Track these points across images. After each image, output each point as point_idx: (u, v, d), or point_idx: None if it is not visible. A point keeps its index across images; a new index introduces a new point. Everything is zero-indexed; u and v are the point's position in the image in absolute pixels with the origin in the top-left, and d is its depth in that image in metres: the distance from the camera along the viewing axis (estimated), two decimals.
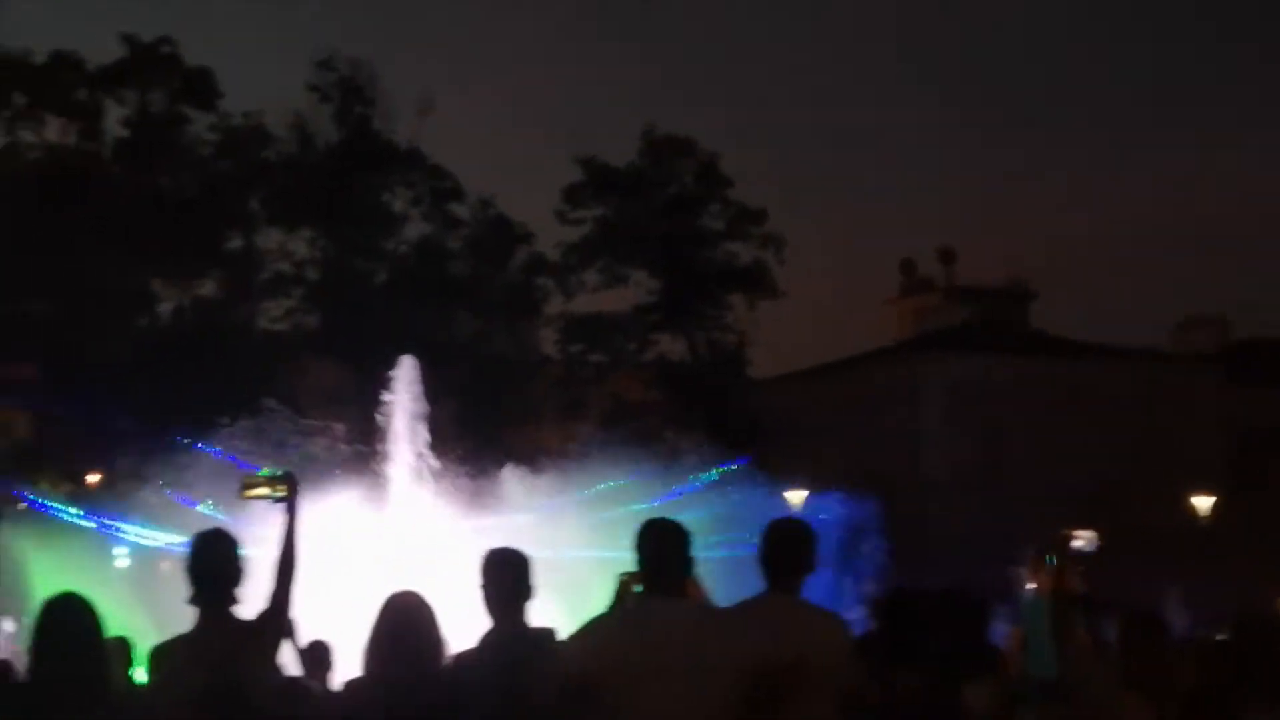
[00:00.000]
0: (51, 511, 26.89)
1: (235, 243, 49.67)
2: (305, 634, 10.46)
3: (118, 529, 24.69)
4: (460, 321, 48.99)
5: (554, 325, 54.09)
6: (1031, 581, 11.84)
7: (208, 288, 49.60)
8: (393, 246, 49.24)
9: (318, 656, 11.74)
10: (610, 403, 53.36)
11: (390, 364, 23.83)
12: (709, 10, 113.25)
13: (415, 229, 49.62)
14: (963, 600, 10.24)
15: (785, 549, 7.64)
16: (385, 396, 23.53)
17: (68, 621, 6.85)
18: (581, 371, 53.81)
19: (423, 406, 23.39)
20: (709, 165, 54.80)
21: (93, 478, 35.54)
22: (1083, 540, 9.28)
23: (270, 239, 50.55)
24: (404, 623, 6.76)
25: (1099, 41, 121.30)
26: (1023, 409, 52.81)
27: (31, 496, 29.35)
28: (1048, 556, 10.49)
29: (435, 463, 22.88)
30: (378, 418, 23.35)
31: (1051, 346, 57.33)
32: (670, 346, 55.91)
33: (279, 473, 7.80)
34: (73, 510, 26.98)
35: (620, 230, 54.13)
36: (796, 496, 37.97)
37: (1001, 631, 11.71)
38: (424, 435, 23.15)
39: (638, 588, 7.08)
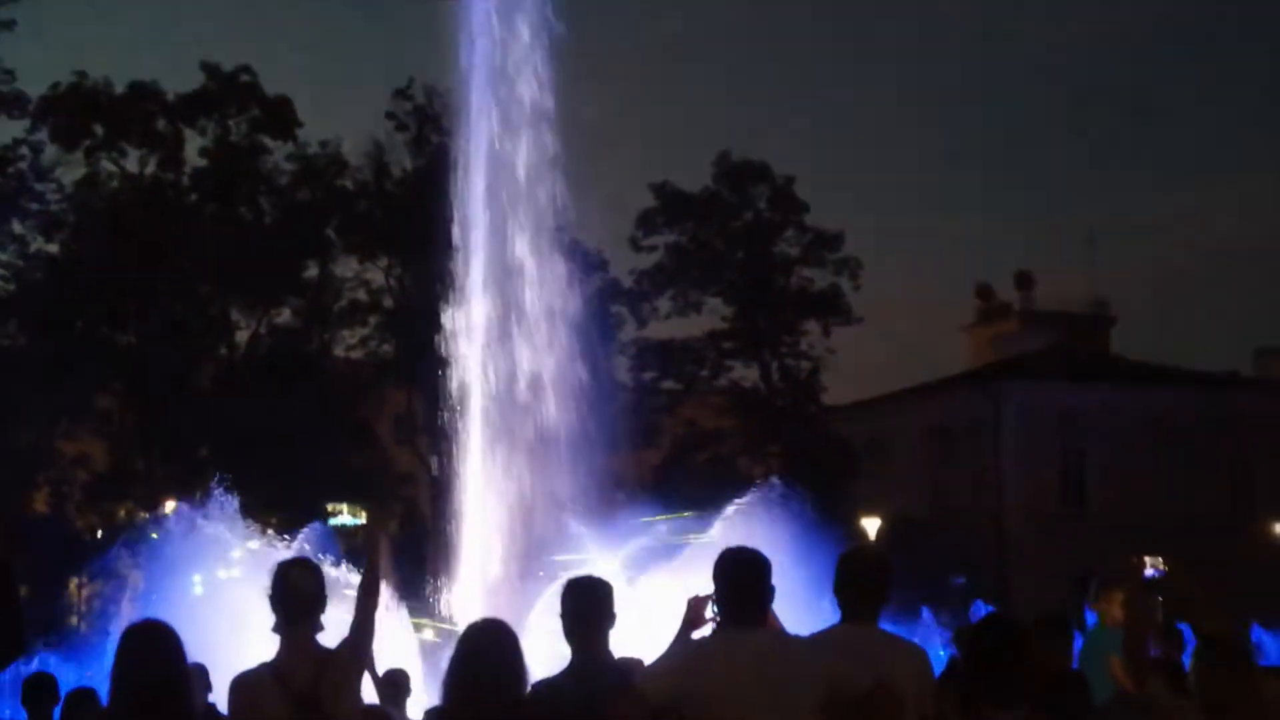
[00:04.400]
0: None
1: (312, 271, 49.96)
2: (383, 663, 10.53)
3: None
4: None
5: (627, 352, 53.99)
6: (1099, 610, 11.68)
7: (285, 316, 49.93)
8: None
9: (395, 685, 11.76)
10: (683, 430, 53.25)
11: (464, 392, 23.85)
12: (784, 34, 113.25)
13: None
14: (1057, 628, 10.09)
15: (862, 579, 7.58)
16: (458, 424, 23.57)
17: (149, 649, 6.85)
18: (654, 399, 53.69)
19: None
20: (784, 190, 54.49)
21: (170, 505, 35.86)
22: (1150, 567, 9.16)
23: (347, 267, 50.87)
24: (484, 651, 6.74)
25: (1184, 67, 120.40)
26: (1103, 436, 52.22)
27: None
28: (1117, 584, 10.35)
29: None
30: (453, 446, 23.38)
31: (1133, 372, 56.64)
32: (744, 373, 55.72)
33: (363, 504, 7.85)
34: (153, 536, 27.19)
35: (694, 256, 54.01)
36: (872, 525, 37.79)
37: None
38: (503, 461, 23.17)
39: (711, 611, 7.04)
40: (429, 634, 19.07)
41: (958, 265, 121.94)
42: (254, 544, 22.12)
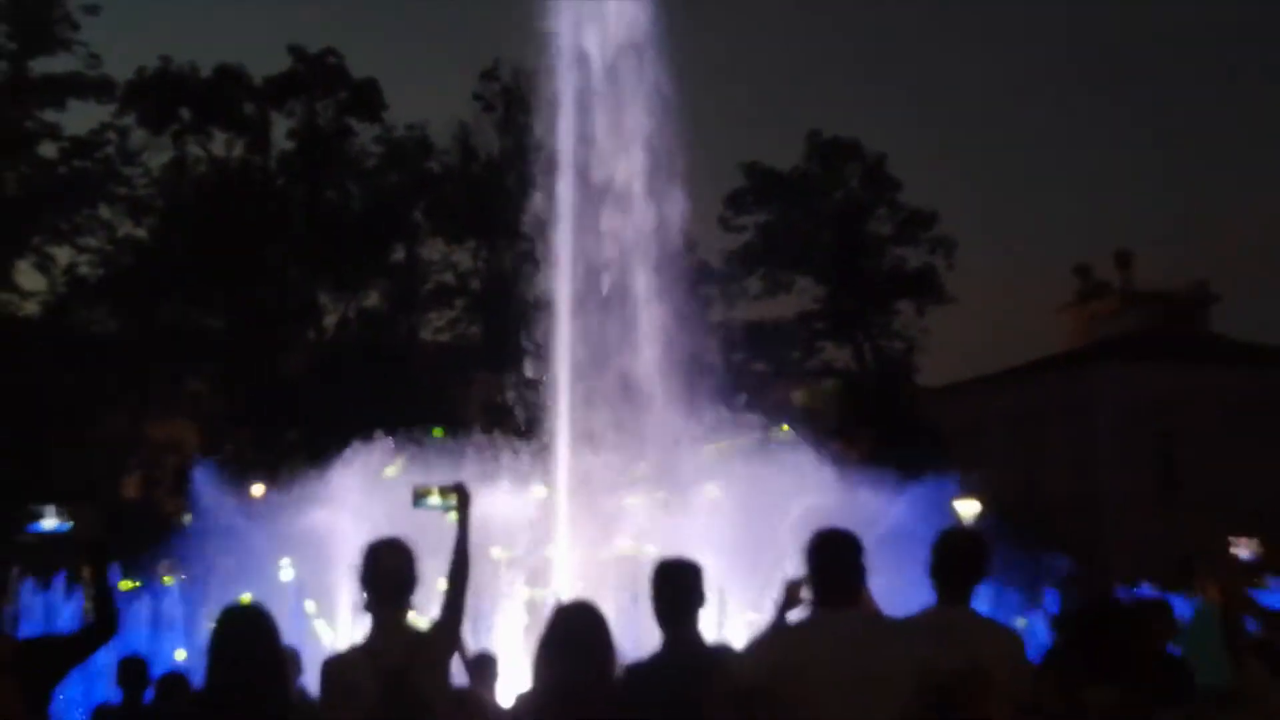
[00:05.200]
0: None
1: (399, 254, 50.14)
2: (471, 645, 10.54)
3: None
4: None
5: (716, 333, 53.75)
6: (1200, 591, 11.54)
7: (372, 299, 50.15)
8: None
9: (483, 667, 11.78)
10: (775, 412, 53.06)
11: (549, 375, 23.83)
12: (875, 9, 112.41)
13: None
14: (1156, 614, 9.97)
15: (957, 560, 7.51)
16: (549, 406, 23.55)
17: (243, 633, 6.98)
18: (745, 380, 53.48)
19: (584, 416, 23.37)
20: (876, 168, 54.01)
21: (258, 489, 36.19)
22: (1244, 548, 9.00)
23: (434, 250, 51.02)
24: (575, 633, 6.73)
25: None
26: (1202, 418, 51.45)
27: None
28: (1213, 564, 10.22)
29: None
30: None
31: (1233, 353, 55.74)
32: (836, 354, 55.36)
33: (450, 484, 7.83)
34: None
35: (784, 236, 53.66)
36: (968, 508, 37.42)
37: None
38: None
39: (806, 592, 6.96)
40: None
41: (1056, 245, 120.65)
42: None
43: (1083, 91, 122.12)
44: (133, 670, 11.65)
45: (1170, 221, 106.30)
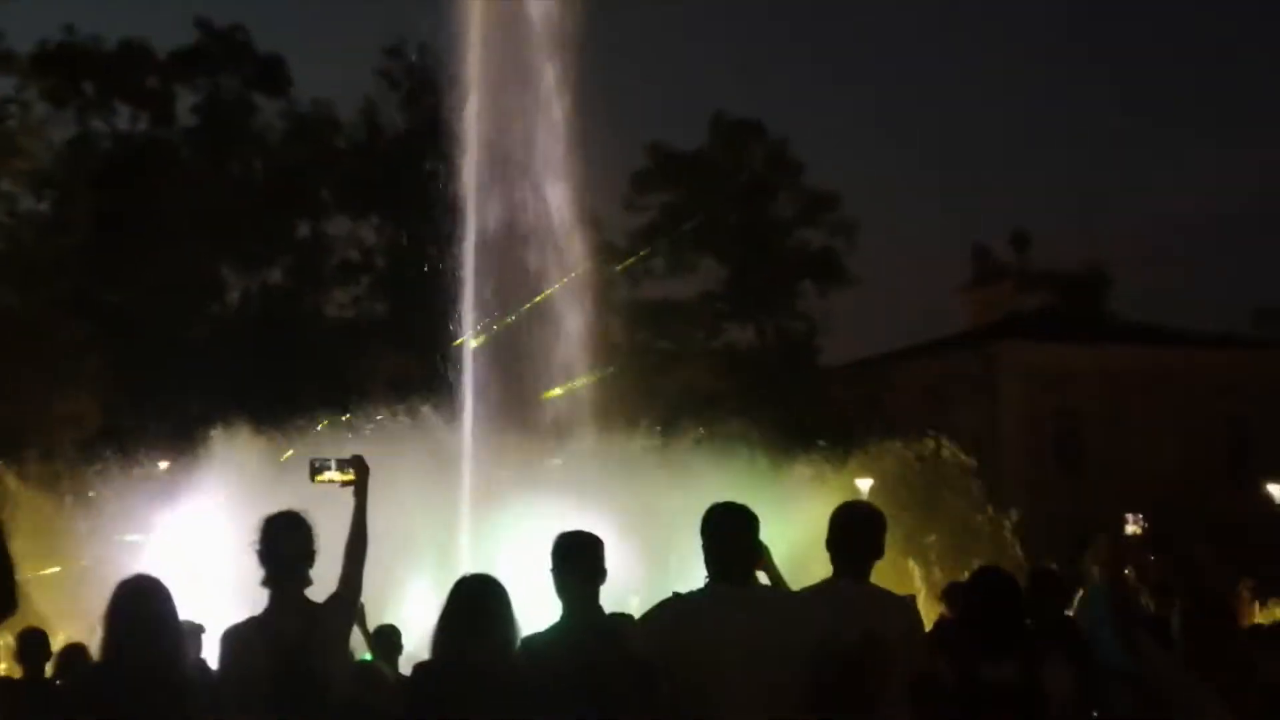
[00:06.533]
0: None
1: (304, 230, 49.89)
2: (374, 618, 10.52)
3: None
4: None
5: (620, 313, 53.86)
6: (1095, 568, 11.76)
7: (276, 275, 49.84)
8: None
9: (387, 641, 11.76)
10: (679, 392, 53.20)
11: (456, 351, 23.89)
12: None
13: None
14: (1050, 581, 10.11)
15: (854, 533, 7.56)
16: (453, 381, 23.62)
17: (139, 603, 6.92)
18: (649, 359, 53.63)
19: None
20: (779, 150, 54.34)
21: (163, 464, 35.84)
22: (1134, 525, 9.17)
23: (339, 226, 50.80)
24: (474, 606, 6.73)
25: (1178, 30, 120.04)
26: (1101, 397, 52.34)
27: None
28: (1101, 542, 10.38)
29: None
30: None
31: (1130, 334, 56.71)
32: (739, 335, 55.62)
33: (348, 457, 7.82)
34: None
35: (688, 216, 53.83)
36: (866, 486, 37.75)
37: None
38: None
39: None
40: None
41: (953, 226, 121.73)
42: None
43: (978, 69, 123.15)
44: (32, 643, 11.58)
45: (1065, 204, 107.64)
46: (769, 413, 49.25)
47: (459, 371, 24.26)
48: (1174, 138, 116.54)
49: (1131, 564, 9.74)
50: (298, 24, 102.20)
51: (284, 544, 7.32)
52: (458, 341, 24.43)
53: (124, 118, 48.29)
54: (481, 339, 24.33)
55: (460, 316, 24.60)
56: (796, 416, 46.97)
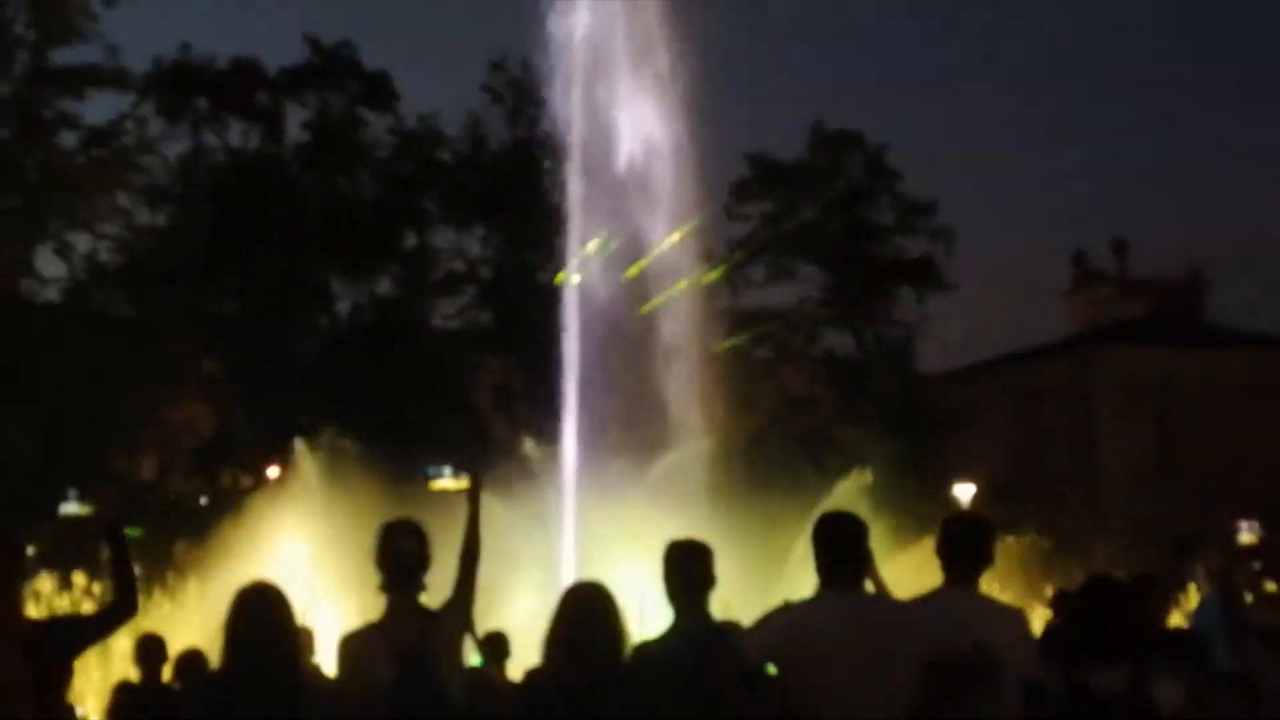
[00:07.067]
0: None
1: (411, 241, 50.37)
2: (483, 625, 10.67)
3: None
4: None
5: (721, 320, 53.76)
6: (1208, 576, 11.67)
7: (384, 285, 50.39)
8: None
9: (496, 647, 11.93)
10: (778, 397, 53.09)
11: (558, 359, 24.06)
12: (875, 3, 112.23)
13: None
14: (1155, 588, 10.05)
15: (963, 543, 7.61)
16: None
17: (259, 610, 7.01)
18: (748, 365, 53.53)
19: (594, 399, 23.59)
20: (877, 158, 54.27)
21: (273, 472, 36.31)
22: (1247, 533, 9.12)
23: (444, 238, 51.26)
24: (585, 614, 6.82)
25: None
26: (1199, 404, 51.66)
27: None
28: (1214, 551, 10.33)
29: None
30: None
31: (1229, 339, 55.95)
32: (838, 341, 55.51)
33: (463, 466, 7.97)
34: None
35: (788, 224, 53.85)
36: (965, 492, 37.58)
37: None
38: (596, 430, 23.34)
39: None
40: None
41: (1052, 233, 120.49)
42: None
43: (1076, 77, 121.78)
44: (151, 648, 11.75)
45: (1165, 210, 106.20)
46: (867, 419, 49.12)
47: (562, 378, 24.41)
48: (1272, 138, 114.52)
49: (1245, 572, 9.72)
50: (404, 41, 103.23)
51: (402, 550, 7.45)
52: (560, 350, 24.57)
53: (236, 133, 48.91)
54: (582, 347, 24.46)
55: (564, 325, 24.75)
56: (895, 423, 46.79)
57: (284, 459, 29.74)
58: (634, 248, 24.67)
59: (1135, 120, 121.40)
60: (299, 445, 26.07)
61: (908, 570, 9.24)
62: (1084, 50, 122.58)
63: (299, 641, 7.31)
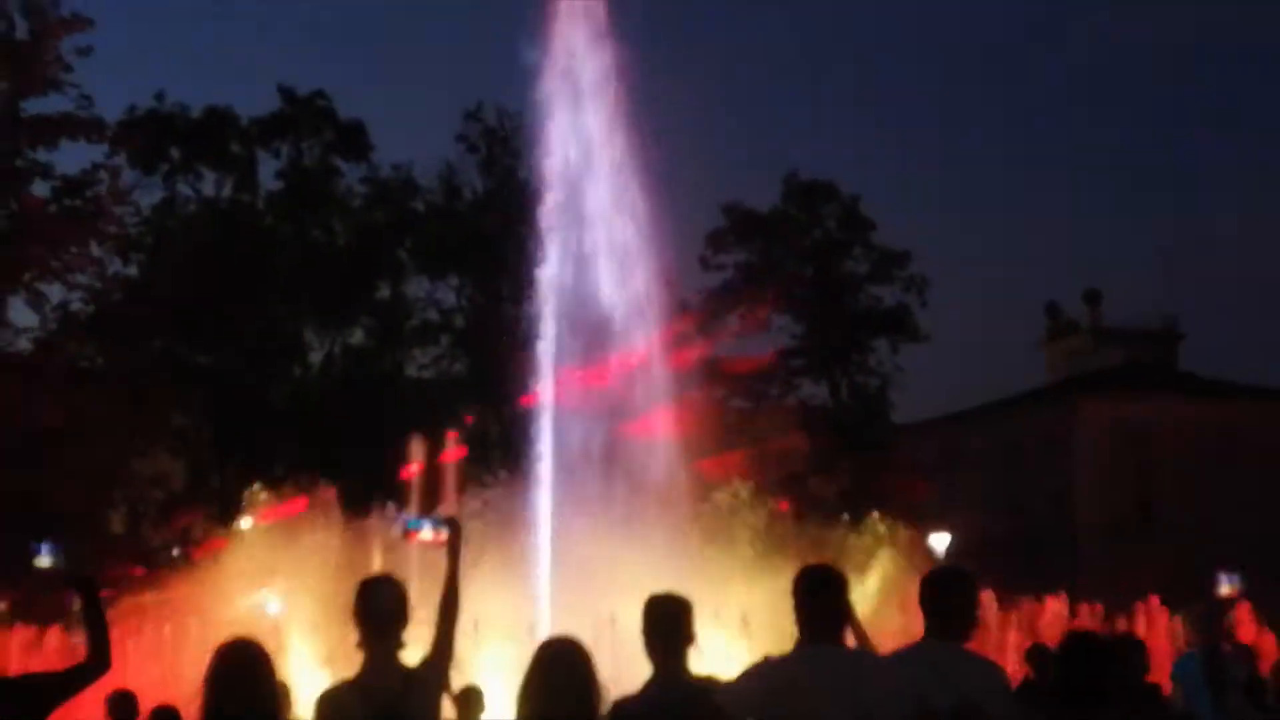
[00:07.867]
0: None
1: (384, 291, 50.35)
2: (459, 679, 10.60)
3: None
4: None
5: (696, 370, 53.71)
6: (1189, 634, 11.67)
7: (357, 336, 50.29)
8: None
9: (470, 701, 11.85)
10: (753, 447, 53.06)
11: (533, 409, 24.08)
12: (849, 56, 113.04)
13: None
14: (1132, 646, 10.10)
15: (945, 596, 7.59)
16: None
17: (240, 666, 6.95)
18: (723, 416, 53.47)
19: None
20: (851, 209, 54.59)
21: (246, 522, 36.18)
22: (1228, 586, 9.11)
23: (419, 287, 51.27)
24: (559, 668, 6.76)
25: (1251, 83, 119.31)
26: (1177, 452, 51.87)
27: None
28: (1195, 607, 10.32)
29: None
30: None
31: (1206, 390, 56.25)
32: (813, 390, 55.61)
33: (441, 518, 7.89)
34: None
35: (763, 275, 54.02)
36: (941, 541, 37.56)
37: None
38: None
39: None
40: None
41: (1026, 283, 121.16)
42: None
43: (1049, 130, 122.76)
44: (123, 704, 11.64)
45: (1135, 260, 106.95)
46: (843, 468, 49.17)
47: (537, 428, 24.41)
48: (1243, 190, 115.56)
49: (1225, 626, 9.72)
50: (378, 91, 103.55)
51: (380, 606, 7.38)
52: (534, 399, 24.59)
53: (209, 183, 49.02)
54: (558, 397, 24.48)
55: (538, 376, 24.77)
56: (869, 473, 46.89)
57: (257, 509, 29.64)
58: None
59: (1103, 170, 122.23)
60: (272, 495, 25.97)
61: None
62: (1056, 100, 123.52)
63: (277, 698, 7.24)
